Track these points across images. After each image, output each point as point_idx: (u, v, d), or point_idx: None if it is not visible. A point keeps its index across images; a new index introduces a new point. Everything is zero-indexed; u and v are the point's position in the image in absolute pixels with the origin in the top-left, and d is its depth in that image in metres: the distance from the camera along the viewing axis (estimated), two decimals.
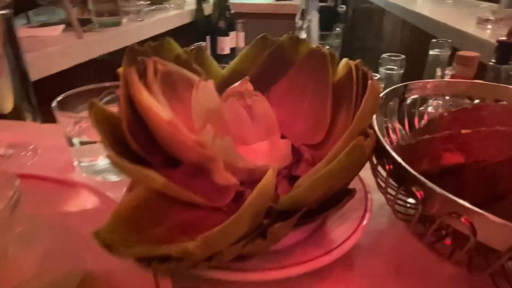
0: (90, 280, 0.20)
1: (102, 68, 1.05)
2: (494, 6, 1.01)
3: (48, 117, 0.76)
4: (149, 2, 1.38)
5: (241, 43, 1.75)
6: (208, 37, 1.61)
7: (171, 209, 0.24)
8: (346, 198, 0.23)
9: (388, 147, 0.22)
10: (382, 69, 0.48)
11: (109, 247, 0.17)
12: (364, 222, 0.25)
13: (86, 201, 0.26)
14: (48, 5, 0.65)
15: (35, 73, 0.78)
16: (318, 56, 0.30)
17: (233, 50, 1.68)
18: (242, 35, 1.76)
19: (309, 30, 2.50)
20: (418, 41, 1.44)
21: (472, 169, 0.20)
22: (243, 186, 0.25)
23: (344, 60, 0.29)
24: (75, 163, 0.35)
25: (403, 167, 0.20)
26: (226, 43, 1.63)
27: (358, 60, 0.28)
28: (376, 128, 0.25)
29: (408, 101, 0.35)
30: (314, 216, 0.23)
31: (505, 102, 0.30)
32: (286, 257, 0.23)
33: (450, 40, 0.58)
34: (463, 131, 0.21)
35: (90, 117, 0.23)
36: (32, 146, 0.40)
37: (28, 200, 0.25)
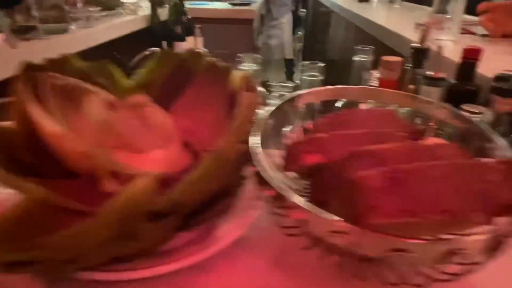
0: None
1: None
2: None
3: None
4: (99, 8, 1.36)
5: (200, 48, 1.76)
6: (164, 42, 1.61)
7: (59, 217, 0.25)
8: (222, 201, 0.26)
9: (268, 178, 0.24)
10: (304, 76, 0.51)
11: None
12: (249, 220, 0.28)
13: None
14: None
15: None
16: (216, 69, 0.32)
17: None
18: (200, 40, 1.77)
19: (282, 33, 2.57)
20: (363, 44, 1.52)
21: (325, 168, 0.23)
22: None
23: (238, 72, 0.31)
24: None
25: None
26: (184, 48, 1.63)
27: (247, 72, 0.30)
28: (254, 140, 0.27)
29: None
30: (198, 218, 0.26)
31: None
32: (166, 255, 0.25)
33: (372, 47, 0.62)
34: (318, 135, 0.24)
35: None
36: None
37: None
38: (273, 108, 0.29)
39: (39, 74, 0.28)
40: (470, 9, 1.50)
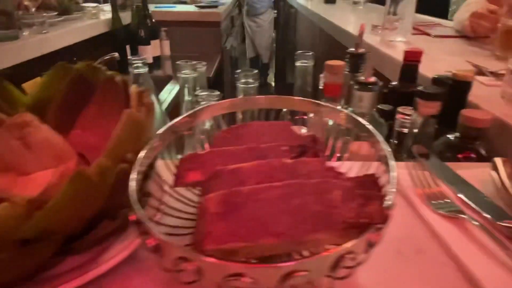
0: None
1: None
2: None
3: None
4: (55, 13, 1.32)
5: (167, 51, 1.74)
6: (127, 46, 1.58)
7: None
8: (108, 224, 0.25)
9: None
10: (239, 84, 0.51)
11: None
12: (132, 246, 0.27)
13: None
14: None
15: None
16: (113, 83, 0.31)
17: (157, 58, 1.67)
18: (167, 43, 1.75)
19: (260, 33, 2.56)
20: (325, 44, 1.54)
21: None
22: None
23: (133, 86, 0.31)
24: None
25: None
26: (148, 52, 1.61)
27: (142, 88, 0.29)
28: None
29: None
30: (82, 242, 0.25)
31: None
32: (49, 281, 0.24)
33: (312, 52, 0.62)
34: (199, 152, 0.24)
35: None
36: None
37: None
38: (166, 127, 0.28)
39: None
40: (429, 10, 1.53)
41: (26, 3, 1.17)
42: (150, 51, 1.61)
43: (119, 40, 1.55)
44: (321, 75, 0.71)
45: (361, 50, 0.63)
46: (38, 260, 0.23)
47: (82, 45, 1.35)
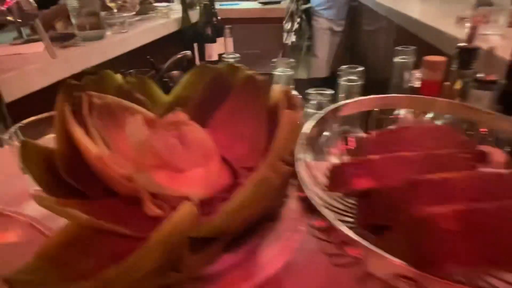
0: None
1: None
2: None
3: (29, 136, 0.77)
4: (133, 13, 1.39)
5: (230, 49, 1.76)
6: (195, 45, 1.62)
7: (105, 240, 0.25)
8: (267, 223, 0.24)
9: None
10: (341, 81, 0.49)
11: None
12: (293, 243, 0.26)
13: (26, 235, 0.27)
14: (23, 24, 0.66)
15: (14, 92, 0.79)
16: (253, 83, 0.31)
17: (222, 56, 1.69)
18: (230, 40, 1.77)
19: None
20: (403, 41, 1.45)
21: (376, 195, 0.21)
22: None
23: (277, 86, 0.30)
24: (31, 190, 0.36)
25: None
26: (214, 50, 1.64)
27: (287, 87, 0.29)
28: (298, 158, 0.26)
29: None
30: (239, 243, 0.25)
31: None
32: (211, 283, 0.24)
33: (414, 47, 0.58)
34: (370, 157, 0.22)
35: (19, 157, 0.24)
36: None
37: None
38: (315, 121, 0.27)
39: (79, 95, 0.28)
40: None
41: (109, 4, 1.24)
42: (216, 49, 1.64)
43: (188, 38, 1.60)
44: (414, 72, 0.67)
45: (473, 45, 0.57)
46: (207, 260, 0.23)
47: (154, 44, 1.42)
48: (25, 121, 0.37)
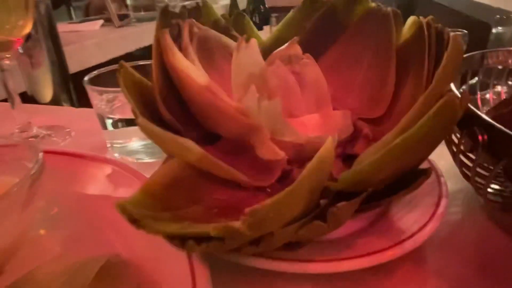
0: (116, 264, 0.17)
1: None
2: None
3: (87, 108, 0.76)
4: None
5: None
6: None
7: (207, 188, 0.20)
8: (421, 177, 0.19)
9: (481, 113, 0.18)
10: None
11: (135, 221, 0.14)
12: (440, 209, 0.20)
13: (118, 180, 0.24)
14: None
15: (75, 66, 0.79)
16: (378, 17, 0.25)
17: None
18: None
19: None
20: (479, 15, 1.32)
21: None
22: (290, 164, 0.22)
23: (412, 18, 0.24)
24: (108, 145, 0.33)
25: (508, 135, 0.16)
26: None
27: (430, 17, 0.23)
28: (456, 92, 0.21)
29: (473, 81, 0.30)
30: (380, 199, 0.19)
31: None
32: (345, 248, 0.19)
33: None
34: None
35: (118, 80, 0.20)
36: (67, 130, 0.39)
37: (56, 178, 0.23)
38: None
39: (180, 22, 0.24)
40: None
41: None
42: (262, 36, 1.60)
43: None
44: None
45: None
46: (348, 215, 0.18)
47: None
48: (103, 69, 0.34)
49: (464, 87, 0.28)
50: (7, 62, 0.32)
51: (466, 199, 0.26)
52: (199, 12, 0.26)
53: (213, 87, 0.20)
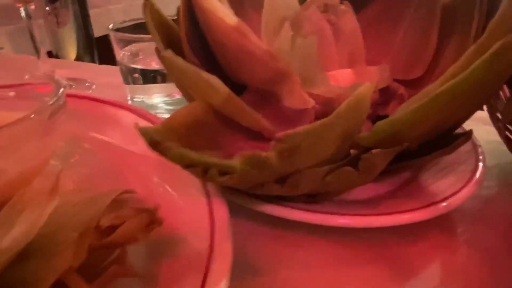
0: (131, 198, 0.17)
1: None
2: None
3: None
4: None
5: None
6: None
7: (229, 136, 0.19)
8: (461, 138, 0.17)
9: None
10: None
11: (156, 144, 0.13)
12: (477, 175, 0.19)
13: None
14: None
15: (99, 30, 0.79)
16: None
17: None
18: None
19: None
20: None
21: None
22: (317, 117, 0.21)
23: None
24: (129, 99, 0.33)
25: None
26: None
27: None
28: None
29: None
30: (413, 159, 0.18)
31: None
32: (370, 207, 0.18)
33: None
34: None
35: (144, 16, 0.19)
36: (89, 83, 0.39)
37: (76, 121, 0.23)
38: None
39: None
40: None
41: None
42: None
43: None
44: None
45: None
46: (380, 168, 0.16)
47: None
48: (128, 22, 0.33)
49: None
50: (32, 6, 0.32)
51: (502, 174, 0.24)
52: None
53: (243, 28, 0.19)
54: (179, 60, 0.16)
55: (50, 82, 0.21)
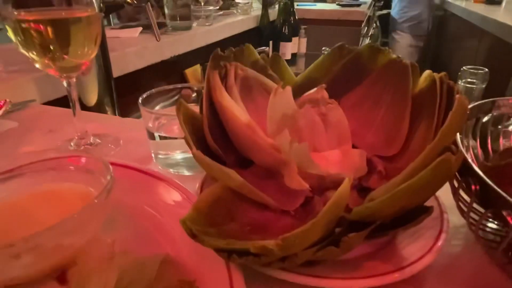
0: (169, 262, 0.22)
1: (170, 69, 1.13)
2: None
3: (123, 111, 0.83)
4: (217, 7, 1.44)
5: (303, 49, 1.76)
6: (271, 42, 1.63)
7: (242, 208, 0.25)
8: (423, 215, 0.23)
9: (475, 167, 0.21)
10: (461, 83, 0.45)
11: (194, 236, 0.19)
12: (439, 242, 0.24)
13: (167, 192, 0.28)
14: (138, 5, 0.71)
15: (115, 71, 0.86)
16: (398, 67, 0.29)
17: (294, 55, 1.69)
18: (304, 41, 1.76)
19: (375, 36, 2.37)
20: (499, 53, 1.32)
21: None
22: (312, 192, 0.26)
23: (427, 72, 0.28)
24: (153, 155, 0.38)
25: (493, 189, 0.19)
26: (288, 49, 1.64)
27: (443, 73, 0.26)
28: (460, 146, 0.24)
29: (485, 118, 0.33)
30: (386, 230, 0.23)
31: None
32: (354, 268, 0.23)
33: (485, 70, 0.52)
34: None
35: (178, 116, 0.25)
36: (116, 139, 0.44)
37: (116, 187, 0.28)
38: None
39: (227, 64, 0.28)
40: None
41: None
42: (290, 48, 1.64)
43: (264, 35, 1.62)
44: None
45: None
46: (358, 242, 0.21)
47: (232, 38, 1.45)
48: (153, 90, 0.39)
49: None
50: (74, 80, 0.38)
51: (468, 234, 0.29)
52: (242, 53, 0.31)
53: (253, 125, 0.25)
54: (206, 159, 0.22)
55: (95, 159, 0.26)
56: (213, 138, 0.27)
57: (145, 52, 0.98)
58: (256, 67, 0.31)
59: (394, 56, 0.29)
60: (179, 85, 0.41)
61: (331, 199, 0.19)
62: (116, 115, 0.74)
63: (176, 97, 0.42)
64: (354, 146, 0.30)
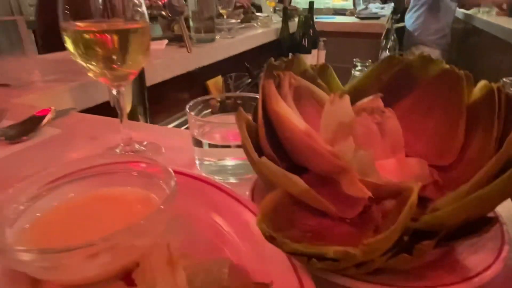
0: (235, 266, 0.22)
1: (193, 80, 1.15)
2: None
3: (153, 119, 0.84)
4: (239, 21, 1.47)
5: (322, 61, 1.77)
6: (290, 54, 1.64)
7: (300, 215, 0.25)
8: (488, 225, 0.22)
9: None
10: None
11: (272, 238, 0.19)
12: (503, 253, 0.23)
13: (221, 198, 0.29)
14: (172, 18, 0.73)
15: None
16: (451, 77, 0.29)
17: None
18: (323, 53, 1.77)
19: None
20: None
21: None
22: (369, 201, 0.26)
23: (483, 82, 0.28)
24: (197, 162, 0.39)
25: None
26: (308, 61, 1.65)
27: (500, 83, 0.26)
28: None
29: None
30: (452, 240, 0.23)
31: None
32: (419, 278, 0.22)
33: None
34: None
35: (239, 124, 0.26)
36: (158, 146, 0.46)
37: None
38: None
39: (282, 73, 0.29)
40: None
41: (221, 11, 1.33)
42: (310, 60, 1.65)
43: (284, 48, 1.64)
44: None
45: None
46: (427, 252, 0.21)
47: (253, 50, 1.47)
48: (198, 99, 0.39)
49: None
50: (123, 89, 0.39)
51: None
52: (292, 63, 0.32)
53: (311, 132, 0.25)
54: (271, 165, 0.22)
55: (156, 164, 0.27)
56: (273, 144, 0.27)
57: (172, 64, 1.00)
58: (305, 76, 0.32)
59: (447, 66, 0.29)
60: (209, 96, 0.42)
61: (407, 206, 0.19)
62: (148, 123, 0.75)
63: (200, 107, 0.42)
64: (407, 155, 0.30)
